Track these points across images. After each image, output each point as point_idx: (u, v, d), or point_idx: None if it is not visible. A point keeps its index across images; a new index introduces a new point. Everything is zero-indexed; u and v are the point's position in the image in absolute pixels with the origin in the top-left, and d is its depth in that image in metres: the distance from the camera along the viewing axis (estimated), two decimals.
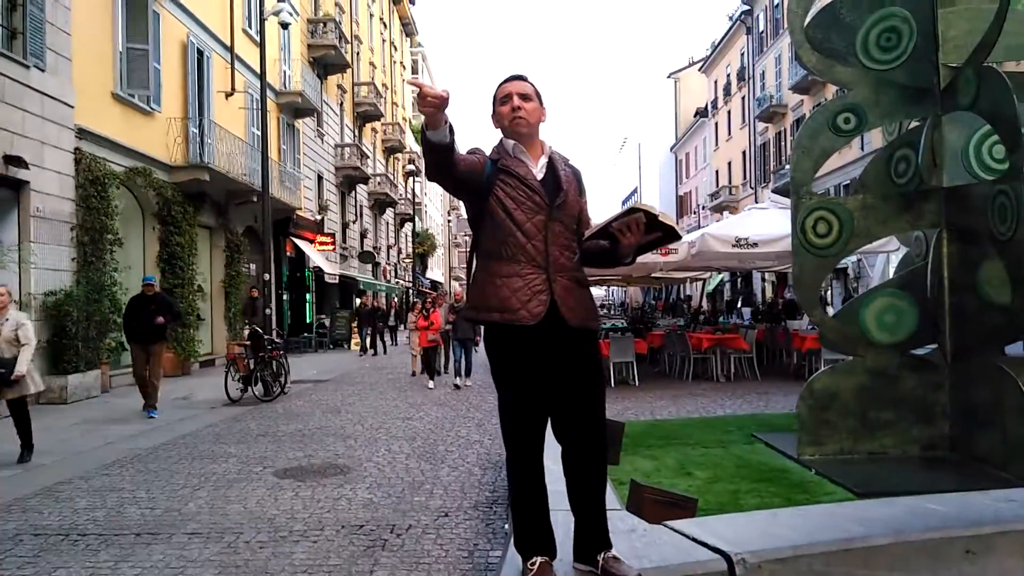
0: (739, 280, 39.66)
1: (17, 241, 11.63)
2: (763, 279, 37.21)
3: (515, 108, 2.98)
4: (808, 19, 6.41)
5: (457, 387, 13.30)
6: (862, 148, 26.11)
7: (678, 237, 2.90)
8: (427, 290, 18.08)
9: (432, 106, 2.58)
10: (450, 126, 2.68)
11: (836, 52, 6.34)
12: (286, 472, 6.69)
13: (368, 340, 23.49)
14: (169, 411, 10.82)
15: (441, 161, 2.77)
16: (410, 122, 50.46)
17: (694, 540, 3.22)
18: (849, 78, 6.36)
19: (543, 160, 3.05)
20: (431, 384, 13.79)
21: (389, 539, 4.71)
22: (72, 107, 12.87)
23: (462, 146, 2.91)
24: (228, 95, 19.58)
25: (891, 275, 7.77)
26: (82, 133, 13.22)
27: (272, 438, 8.49)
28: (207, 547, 4.60)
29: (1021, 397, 5.22)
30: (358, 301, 26.77)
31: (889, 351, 6.28)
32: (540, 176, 3.00)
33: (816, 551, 3.13)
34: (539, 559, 2.86)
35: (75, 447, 8.04)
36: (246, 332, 15.25)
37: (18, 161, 11.29)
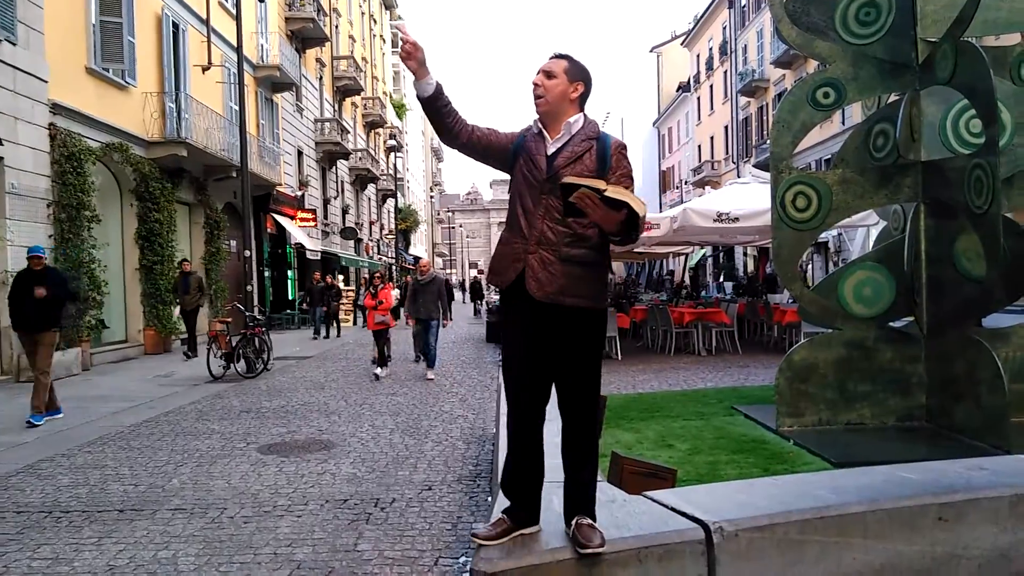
0: (721, 255, 39.86)
1: None
2: (745, 253, 37.43)
3: (535, 86, 3.08)
4: None
5: (428, 379, 11.24)
6: (843, 122, 26.21)
7: (639, 211, 2.77)
8: (379, 275, 15.94)
9: (406, 52, 2.94)
10: (437, 84, 3.00)
11: (816, 26, 6.35)
12: (270, 448, 6.71)
13: (320, 321, 21.20)
14: (152, 388, 10.78)
15: (430, 116, 3.09)
16: (391, 96, 49.98)
17: (672, 510, 3.27)
18: (828, 52, 6.37)
19: (562, 136, 3.07)
20: (379, 371, 11.62)
21: (373, 512, 4.75)
22: (45, 81, 12.64)
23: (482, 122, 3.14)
24: (205, 69, 19.27)
25: (871, 249, 7.85)
26: (56, 108, 13.00)
27: (255, 414, 8.49)
28: (191, 522, 4.62)
29: (995, 368, 5.32)
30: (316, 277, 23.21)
31: (867, 324, 6.36)
32: (551, 152, 3.05)
33: (792, 519, 3.19)
34: (504, 516, 3.03)
35: (57, 425, 8.00)
36: (175, 311, 14.97)
37: None
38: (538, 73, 3.09)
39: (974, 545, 3.33)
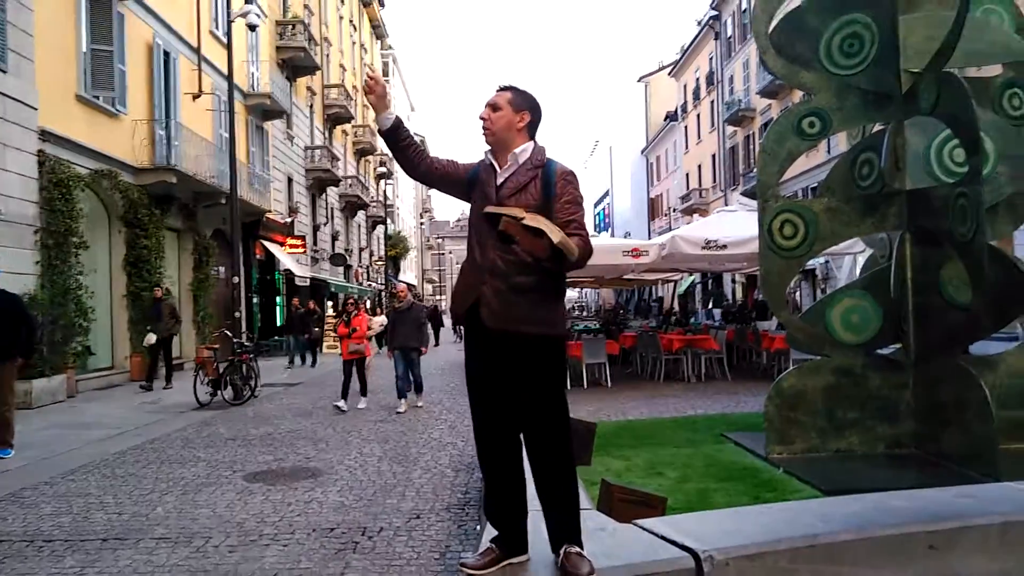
0: (710, 281, 40.03)
1: None
2: (733, 280, 37.60)
3: (481, 119, 3.16)
4: (773, 24, 6.51)
5: (400, 412, 10.46)
6: (828, 151, 26.50)
7: (553, 238, 2.83)
8: (351, 301, 14.09)
9: (368, 87, 3.15)
10: (396, 117, 3.18)
11: (800, 57, 6.45)
12: (256, 476, 6.64)
13: (298, 349, 20.25)
14: (138, 415, 10.67)
15: (391, 148, 3.22)
16: None
17: (663, 538, 3.25)
18: (813, 83, 6.47)
19: (510, 167, 3.13)
20: (342, 404, 10.87)
21: (361, 541, 4.69)
22: (35, 109, 12.64)
23: (455, 156, 3.17)
24: (195, 97, 19.37)
25: (858, 276, 7.91)
26: (45, 135, 12.99)
27: (242, 442, 8.41)
28: (175, 552, 4.55)
29: (983, 395, 5.34)
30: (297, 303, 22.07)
31: (855, 351, 6.39)
32: (499, 182, 3.11)
33: (782, 548, 3.18)
34: (492, 546, 3.07)
35: (40, 452, 7.89)
36: (150, 339, 13.92)
37: None
38: (485, 107, 3.16)
39: (965, 573, 3.33)
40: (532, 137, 3.18)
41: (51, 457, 7.70)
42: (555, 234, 2.82)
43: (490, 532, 3.15)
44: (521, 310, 2.97)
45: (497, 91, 3.18)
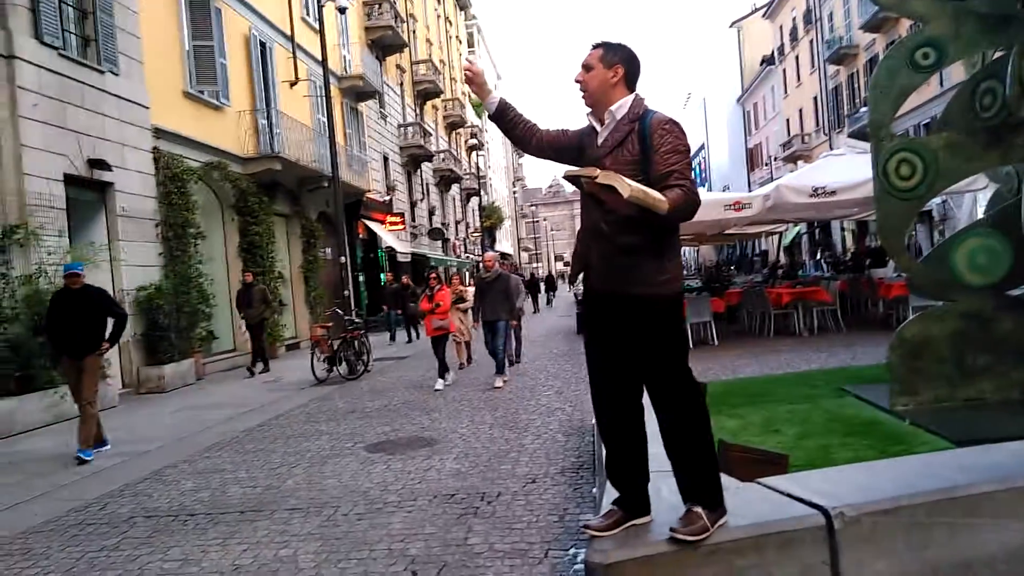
0: (817, 231, 38.45)
1: (107, 240, 12.19)
2: (842, 228, 35.97)
3: (577, 83, 3.12)
4: None
5: (496, 387, 9.96)
6: (940, 84, 24.82)
7: (623, 192, 2.68)
8: (434, 275, 12.50)
9: (467, 79, 3.31)
10: (500, 99, 3.30)
11: None
12: (376, 446, 6.89)
13: (395, 325, 20.16)
14: (262, 393, 11.25)
15: (501, 129, 3.34)
16: (469, 96, 50.43)
17: (789, 495, 3.17)
18: (925, 10, 6.03)
19: (608, 125, 3.08)
20: (439, 384, 10.38)
21: (480, 506, 4.80)
22: (147, 108, 13.34)
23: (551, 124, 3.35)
24: (292, 84, 19.95)
25: (980, 215, 7.41)
26: (158, 132, 13.70)
27: (360, 415, 8.74)
28: (308, 521, 4.79)
29: None
30: (384, 279, 22.67)
31: (983, 293, 6.00)
32: (600, 142, 3.08)
33: (917, 502, 3.05)
34: (615, 507, 3.06)
35: (177, 433, 8.45)
36: (242, 328, 13.82)
37: (101, 164, 11.80)
38: (580, 69, 3.11)
39: None
40: (632, 90, 3.09)
41: (186, 437, 8.22)
42: (625, 189, 2.68)
43: (611, 494, 3.16)
44: (627, 271, 2.93)
45: (590, 50, 3.12)
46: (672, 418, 2.99)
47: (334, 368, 12.11)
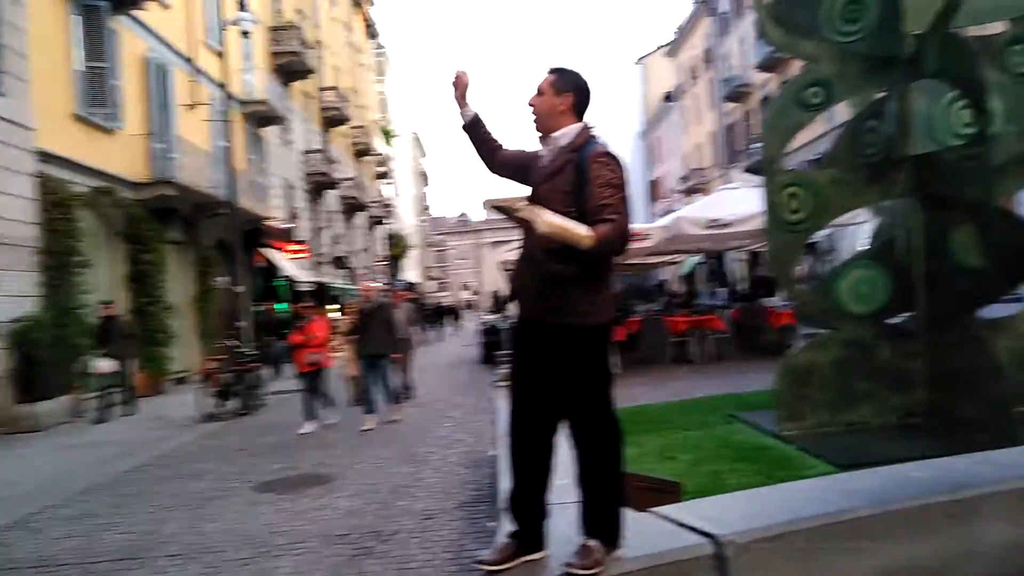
0: (712, 261, 39.84)
1: None
2: (737, 259, 37.39)
3: (529, 104, 3.09)
4: None
5: (365, 431, 8.99)
6: (829, 121, 26.26)
7: (539, 228, 2.69)
8: (308, 304, 11.62)
9: (454, 83, 3.23)
10: (476, 114, 3.28)
11: (801, 26, 6.32)
12: (266, 486, 6.58)
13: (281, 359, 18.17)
14: (145, 431, 10.63)
15: (472, 144, 3.32)
16: (378, 124, 50.17)
17: (681, 524, 3.17)
18: (814, 52, 6.34)
19: (551, 151, 3.06)
20: (306, 428, 9.26)
21: (374, 546, 4.63)
22: (32, 130, 12.56)
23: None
24: (191, 108, 19.32)
25: (862, 247, 7.79)
26: (43, 156, 12.92)
27: (250, 452, 8.36)
28: (187, 568, 4.50)
29: (996, 359, 5.24)
30: (263, 307, 20.72)
31: (865, 322, 6.28)
32: (541, 168, 3.06)
33: (803, 527, 3.10)
34: (510, 540, 3.00)
35: (48, 475, 7.85)
36: (98, 363, 11.91)
37: None
38: (534, 92, 3.10)
39: (986, 540, 3.25)
40: (580, 118, 3.06)
41: (59, 480, 7.64)
42: (541, 225, 2.66)
43: (506, 528, 3.08)
44: (555, 299, 2.89)
45: (545, 75, 3.11)
46: (588, 453, 2.94)
47: (225, 403, 11.59)
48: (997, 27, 6.15)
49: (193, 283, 19.03)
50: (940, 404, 6.02)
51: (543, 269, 2.89)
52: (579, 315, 2.88)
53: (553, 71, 3.09)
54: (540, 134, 3.10)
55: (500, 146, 3.31)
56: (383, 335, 9.48)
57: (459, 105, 3.28)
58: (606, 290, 2.99)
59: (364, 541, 4.74)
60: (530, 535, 2.99)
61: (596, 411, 2.94)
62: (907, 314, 6.41)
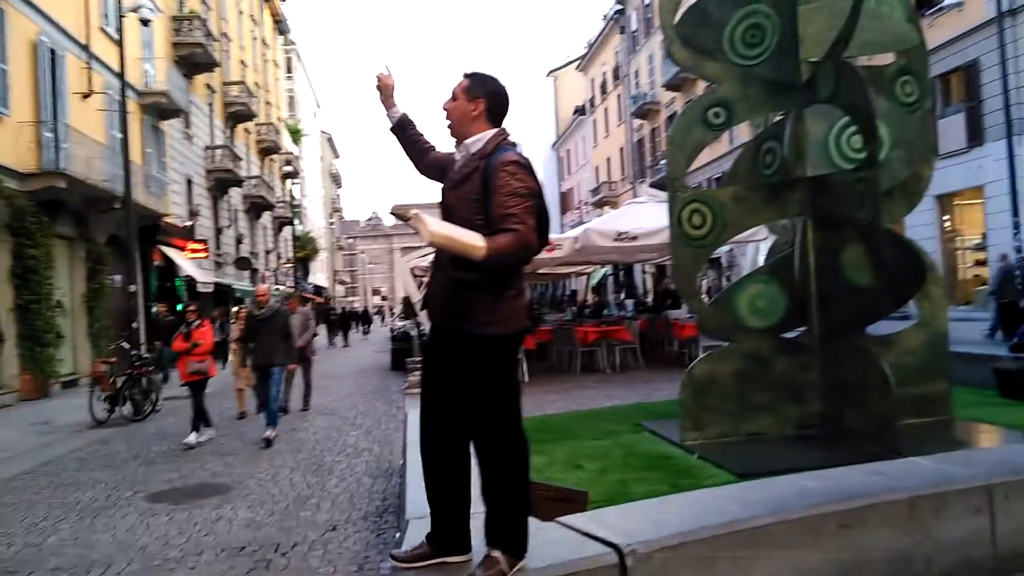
0: (621, 273, 40.73)
1: None
2: (644, 271, 38.33)
3: (443, 109, 3.06)
4: (678, 16, 6.57)
5: (267, 442, 8.36)
6: (732, 142, 27.29)
7: (424, 237, 2.73)
8: (192, 307, 9.89)
9: (377, 86, 3.21)
10: (403, 115, 3.26)
11: (705, 48, 6.54)
12: (159, 496, 6.30)
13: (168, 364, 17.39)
14: (29, 437, 10.01)
15: (401, 145, 3.28)
16: (286, 122, 48.98)
17: (585, 534, 3.20)
18: (718, 73, 6.57)
19: (462, 157, 3.03)
20: (191, 438, 8.58)
21: (273, 559, 4.49)
22: None
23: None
24: (85, 97, 18.35)
25: (761, 263, 8.10)
26: None
27: (143, 460, 7.98)
28: None
29: (883, 374, 5.53)
30: (154, 309, 19.64)
31: (762, 335, 6.53)
32: (452, 173, 3.03)
33: (703, 536, 3.17)
34: (425, 541, 3.00)
35: None
36: None
37: None
38: (449, 96, 3.07)
39: (876, 548, 3.40)
40: (495, 125, 3.02)
41: None
42: (426, 234, 2.67)
43: (410, 538, 3.06)
44: (459, 307, 2.85)
45: (461, 79, 3.06)
46: (491, 466, 2.92)
47: (116, 408, 11.02)
48: (887, 58, 6.54)
49: (84, 281, 18.07)
50: (832, 416, 6.31)
51: (450, 275, 2.86)
52: (481, 324, 2.85)
53: (468, 75, 3.05)
54: (455, 139, 3.07)
55: (430, 148, 3.27)
56: (276, 343, 8.84)
57: (385, 107, 3.25)
58: (514, 299, 2.93)
59: (263, 553, 4.59)
60: (448, 537, 2.97)
61: (498, 423, 2.92)
62: (802, 329, 6.71)
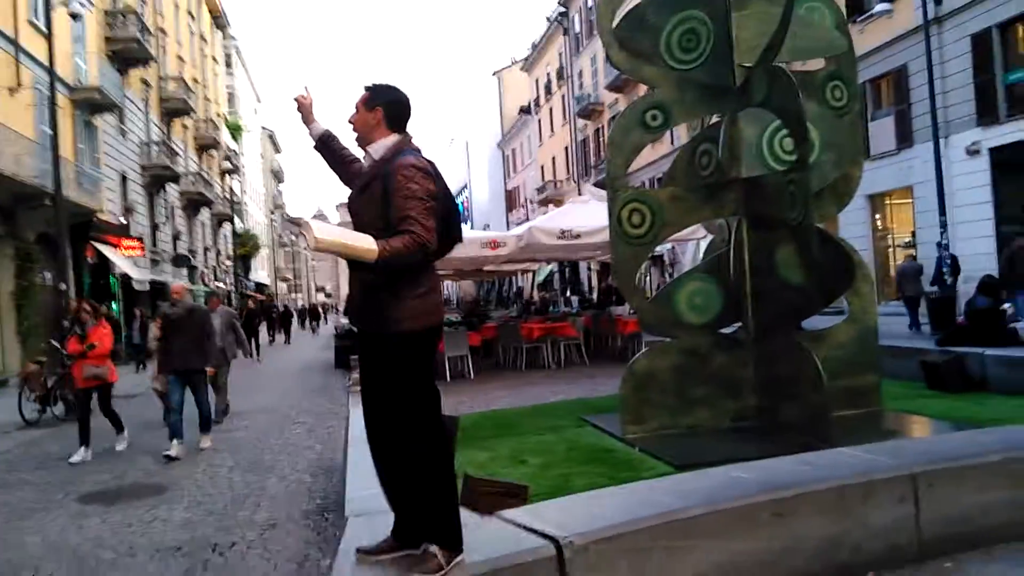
0: (567, 270, 41.03)
1: None
2: (588, 268, 38.70)
3: (349, 122, 3.18)
4: (616, 20, 6.67)
5: (170, 458, 7.45)
6: (672, 143, 27.75)
7: (309, 242, 2.76)
8: (86, 305, 8.47)
9: (298, 106, 3.30)
10: (326, 131, 3.35)
11: (642, 52, 6.65)
12: (92, 496, 6.14)
13: None
14: None
15: (325, 160, 3.36)
16: (225, 118, 47.94)
17: (524, 528, 3.25)
18: (655, 77, 6.70)
19: (367, 163, 3.15)
20: (78, 456, 7.69)
21: (210, 558, 4.43)
22: None
23: None
24: (13, 91, 17.69)
25: (701, 261, 8.28)
26: None
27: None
28: None
29: (816, 368, 5.71)
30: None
31: (700, 331, 6.68)
32: (360, 178, 3.14)
33: (639, 527, 3.25)
34: (391, 535, 3.10)
35: None
36: None
37: None
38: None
39: (807, 536, 3.53)
40: (398, 131, 3.11)
41: None
42: (311, 241, 2.72)
43: (348, 537, 3.08)
44: (368, 307, 2.99)
45: (361, 92, 3.18)
46: (411, 460, 2.95)
47: (47, 408, 10.68)
48: (818, 63, 6.75)
49: (12, 279, 17.42)
50: (767, 408, 6.49)
51: (359, 277, 2.99)
52: (388, 322, 2.94)
53: (367, 88, 3.17)
54: (361, 148, 3.20)
55: (353, 160, 3.34)
56: (195, 346, 7.99)
57: (306, 124, 3.34)
58: (424, 296, 2.99)
59: (200, 554, 4.52)
60: (407, 531, 3.03)
61: (414, 419, 2.94)
62: (738, 325, 6.88)
